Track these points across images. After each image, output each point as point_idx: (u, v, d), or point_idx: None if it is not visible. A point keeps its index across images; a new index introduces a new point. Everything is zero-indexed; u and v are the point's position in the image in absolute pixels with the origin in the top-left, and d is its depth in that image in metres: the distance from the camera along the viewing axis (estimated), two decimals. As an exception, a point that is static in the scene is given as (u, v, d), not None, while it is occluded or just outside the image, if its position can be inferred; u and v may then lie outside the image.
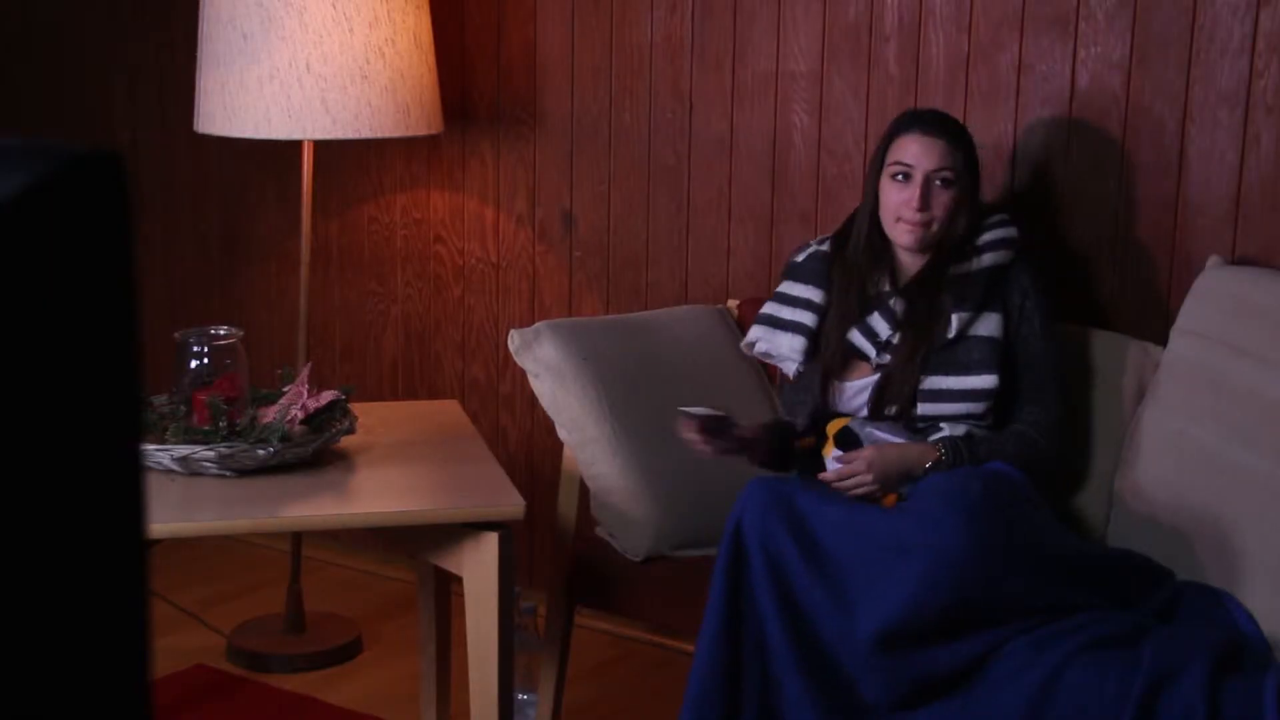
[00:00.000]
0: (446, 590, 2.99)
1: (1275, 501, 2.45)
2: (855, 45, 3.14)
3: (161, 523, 2.35)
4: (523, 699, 3.07)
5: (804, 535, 2.38)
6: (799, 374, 2.74)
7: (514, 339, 2.88)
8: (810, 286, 2.76)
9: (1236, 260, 2.79)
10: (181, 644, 3.46)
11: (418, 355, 3.84)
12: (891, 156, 2.66)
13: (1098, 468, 2.78)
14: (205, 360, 2.68)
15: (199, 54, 3.24)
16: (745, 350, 2.86)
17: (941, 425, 2.62)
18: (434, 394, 3.81)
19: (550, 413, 2.89)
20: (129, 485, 0.75)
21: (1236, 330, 2.61)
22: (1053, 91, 2.96)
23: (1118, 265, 2.94)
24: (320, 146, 3.52)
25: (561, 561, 2.90)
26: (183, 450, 2.52)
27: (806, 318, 2.74)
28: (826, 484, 2.55)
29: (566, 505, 2.93)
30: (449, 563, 2.54)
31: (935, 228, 2.65)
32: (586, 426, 2.81)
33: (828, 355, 2.70)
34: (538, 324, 2.90)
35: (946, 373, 2.63)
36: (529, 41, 3.54)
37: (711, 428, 2.53)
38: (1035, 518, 2.46)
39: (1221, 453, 2.54)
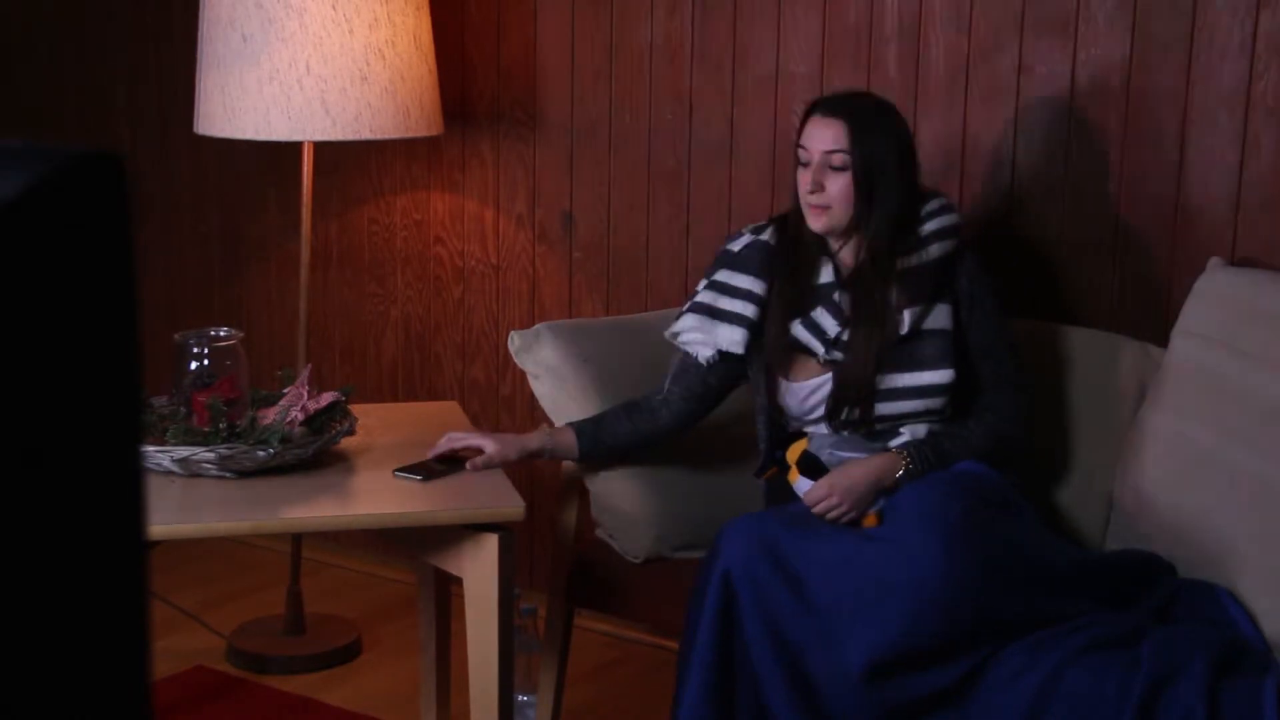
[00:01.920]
0: (446, 592, 2.99)
1: (1275, 503, 2.45)
2: (855, 47, 3.14)
3: (161, 524, 2.35)
4: (522, 700, 3.07)
5: (790, 576, 2.37)
6: (712, 362, 2.68)
7: (514, 340, 2.88)
8: (750, 277, 2.68)
9: (1236, 261, 2.79)
10: (181, 645, 3.46)
11: (418, 356, 3.84)
12: (798, 142, 2.63)
13: (1097, 469, 2.78)
14: (205, 361, 2.68)
15: (199, 55, 3.24)
16: (669, 339, 2.73)
17: (901, 429, 2.60)
18: (434, 395, 3.81)
19: (550, 414, 2.89)
20: (129, 486, 0.75)
21: (1237, 332, 2.61)
22: (1053, 93, 2.96)
23: (1118, 266, 2.94)
24: (320, 148, 3.52)
25: (561, 563, 2.90)
26: (183, 451, 2.52)
27: (748, 309, 2.67)
28: (804, 515, 2.53)
29: (566, 507, 2.93)
30: (449, 564, 2.54)
31: (836, 210, 2.58)
32: (586, 428, 2.81)
33: (773, 351, 2.64)
34: (538, 325, 2.90)
35: (901, 370, 2.58)
36: (529, 43, 3.54)
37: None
38: (1019, 526, 2.45)
39: (1221, 454, 2.54)
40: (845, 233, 2.62)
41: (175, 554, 3.77)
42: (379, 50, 3.15)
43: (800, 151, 2.61)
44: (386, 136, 3.22)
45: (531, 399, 3.46)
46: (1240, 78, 2.79)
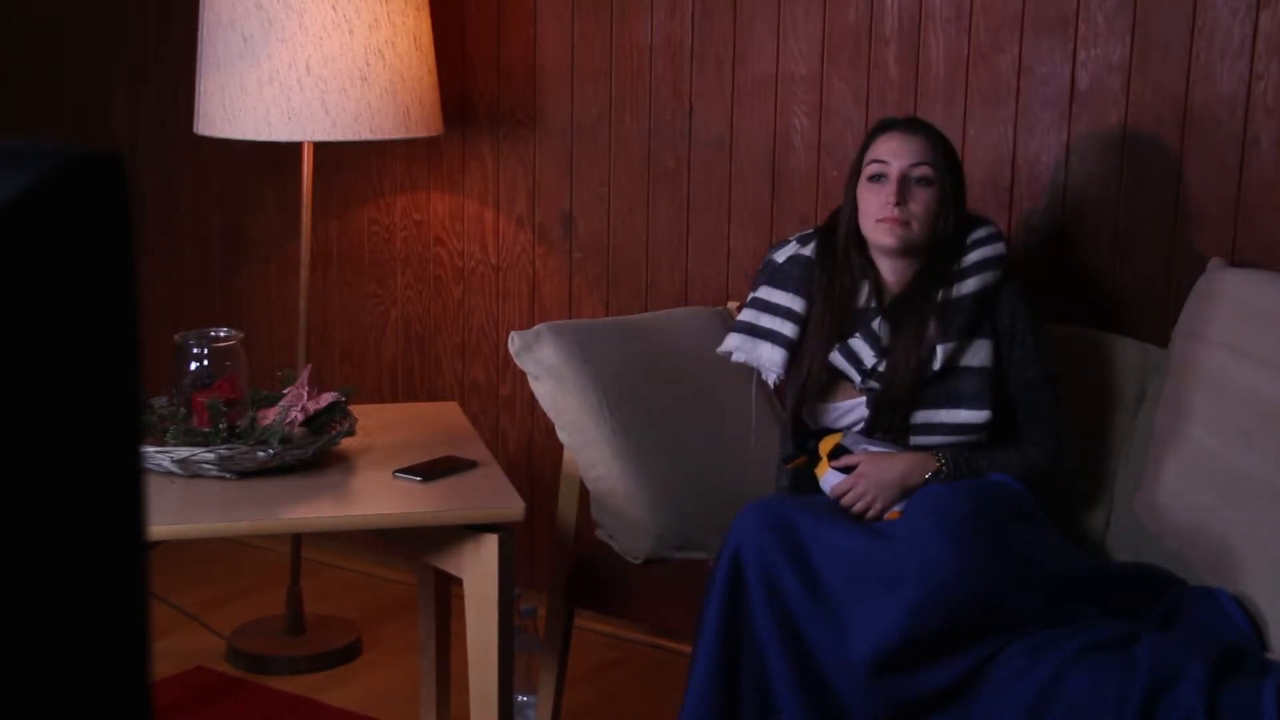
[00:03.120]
0: (446, 592, 2.99)
1: (1276, 503, 2.45)
2: (855, 47, 3.14)
3: (161, 524, 2.35)
4: (522, 700, 3.07)
5: (803, 563, 2.36)
6: (778, 384, 2.70)
7: (514, 341, 2.88)
8: (791, 294, 2.69)
9: (1237, 262, 2.79)
10: (181, 646, 3.46)
11: (418, 357, 3.84)
12: (869, 158, 2.62)
13: (1097, 469, 2.78)
14: (205, 362, 2.68)
15: (199, 56, 3.24)
16: (720, 353, 2.77)
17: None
18: (434, 396, 3.81)
19: (550, 415, 2.89)
20: (129, 487, 0.75)
21: (1237, 332, 2.61)
22: (1053, 93, 2.96)
23: (1118, 267, 2.94)
24: (320, 148, 3.52)
25: (561, 563, 2.90)
26: (183, 452, 2.52)
27: (787, 328, 2.67)
28: (824, 505, 2.53)
29: (566, 507, 2.93)
30: (449, 565, 2.54)
31: (915, 227, 2.57)
32: (586, 428, 2.81)
33: (808, 377, 2.64)
34: (538, 326, 2.90)
35: (938, 406, 2.56)
36: (529, 43, 3.54)
37: None
38: (1035, 535, 2.44)
39: (1222, 454, 2.54)
40: (906, 252, 2.60)
41: (175, 554, 3.77)
42: (379, 50, 3.15)
43: (875, 166, 2.59)
44: (386, 137, 3.22)
45: (531, 399, 3.46)
46: (1240, 78, 2.79)
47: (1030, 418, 2.61)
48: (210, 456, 2.52)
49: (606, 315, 3.49)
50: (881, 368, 2.58)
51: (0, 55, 4.37)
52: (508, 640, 2.50)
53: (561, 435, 2.90)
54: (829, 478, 2.59)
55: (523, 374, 2.98)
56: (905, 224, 2.56)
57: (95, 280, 0.71)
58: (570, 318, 3.53)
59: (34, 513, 0.69)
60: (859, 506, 2.53)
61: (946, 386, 2.56)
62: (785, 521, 2.39)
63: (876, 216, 2.58)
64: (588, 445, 2.82)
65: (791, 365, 2.66)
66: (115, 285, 0.72)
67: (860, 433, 2.61)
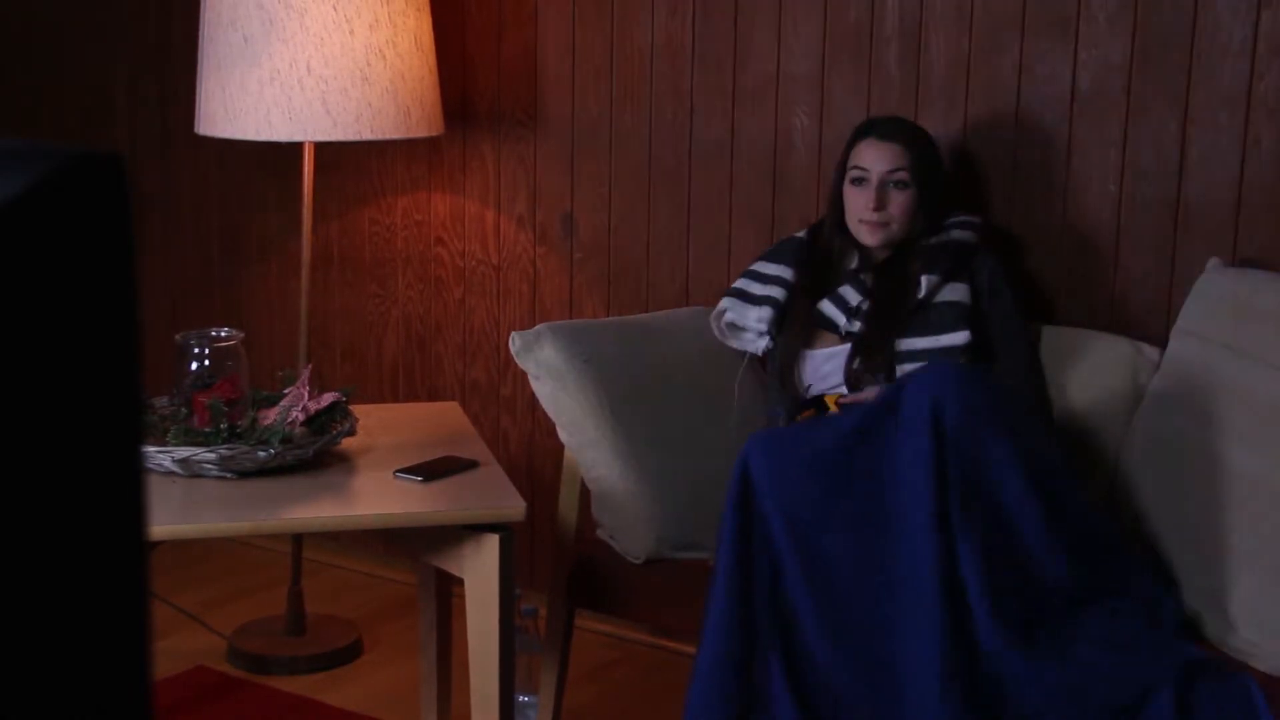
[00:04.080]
0: (447, 592, 2.99)
1: (1274, 503, 2.45)
2: (856, 47, 3.14)
3: (162, 524, 2.35)
4: (523, 701, 3.07)
5: (805, 461, 2.43)
6: (768, 351, 2.86)
7: (515, 341, 2.88)
8: (782, 265, 2.90)
9: (1237, 262, 2.79)
10: (182, 646, 3.46)
11: (418, 357, 3.84)
12: (850, 162, 2.82)
13: (1096, 469, 2.77)
14: (206, 362, 2.68)
15: (199, 56, 3.24)
16: (713, 321, 2.95)
17: None
18: (435, 396, 3.81)
19: (551, 414, 2.89)
20: (129, 487, 0.75)
21: (1237, 332, 2.61)
22: (1053, 93, 2.96)
23: (1118, 267, 2.94)
24: (321, 148, 3.52)
25: (562, 563, 2.90)
26: (183, 452, 2.52)
27: (776, 292, 2.87)
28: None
29: (567, 507, 2.93)
30: (450, 564, 2.54)
31: (895, 227, 2.79)
32: (587, 428, 2.81)
33: (795, 323, 2.83)
34: (539, 326, 2.90)
35: (919, 334, 2.73)
36: (530, 43, 3.54)
37: None
38: (1026, 503, 2.42)
39: (1221, 454, 2.54)
40: (890, 246, 2.82)
41: (176, 554, 3.77)
42: (380, 51, 3.15)
43: (855, 171, 2.82)
44: (387, 137, 3.22)
45: (532, 399, 3.46)
46: (1241, 78, 2.78)
47: (1009, 367, 2.73)
48: (211, 456, 2.52)
49: (607, 315, 3.49)
50: (866, 307, 2.78)
51: (2, 54, 4.37)
52: (508, 640, 2.50)
53: (562, 435, 2.90)
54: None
55: (523, 374, 2.98)
56: (885, 225, 2.79)
57: (96, 280, 0.71)
58: (571, 318, 3.53)
59: (35, 513, 0.69)
60: None
61: (926, 316, 2.74)
62: (790, 433, 2.53)
63: (859, 218, 2.81)
64: (588, 445, 2.82)
65: (779, 326, 2.85)
66: (116, 285, 0.73)
67: (843, 372, 2.77)
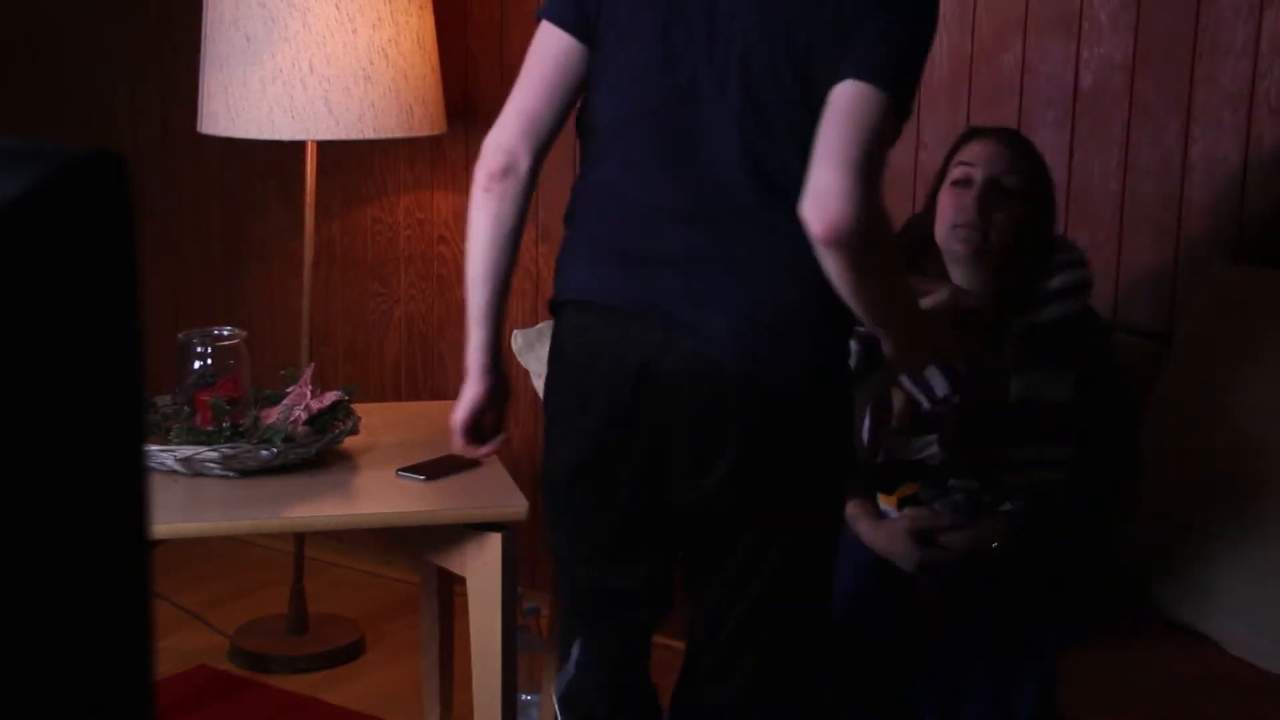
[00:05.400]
0: (449, 591, 2.99)
1: (1275, 502, 2.45)
2: (858, 46, 3.14)
3: (164, 523, 2.35)
4: (525, 700, 3.07)
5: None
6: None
7: (517, 340, 2.88)
8: None
9: (1239, 261, 2.79)
10: (184, 645, 3.46)
11: (421, 356, 3.84)
12: (955, 161, 2.45)
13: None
14: (208, 361, 2.68)
15: (202, 55, 3.24)
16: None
17: (1008, 503, 2.45)
18: (437, 395, 3.81)
19: (553, 413, 2.89)
20: (132, 486, 0.75)
21: (1238, 332, 2.61)
22: (1056, 92, 2.96)
23: (1120, 266, 2.94)
24: (323, 147, 3.52)
25: (564, 562, 2.90)
26: (186, 451, 2.52)
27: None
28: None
29: (569, 506, 2.92)
30: (452, 563, 2.54)
31: (994, 238, 2.39)
32: (589, 427, 2.80)
33: (877, 400, 2.44)
34: (540, 325, 2.90)
35: (1017, 443, 2.42)
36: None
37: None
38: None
39: (1222, 454, 2.54)
40: (980, 263, 2.42)
41: (178, 553, 3.77)
42: (382, 50, 3.16)
43: (960, 169, 2.43)
44: (390, 136, 3.22)
45: (534, 398, 3.46)
46: (1244, 77, 2.78)
47: (1100, 458, 2.48)
48: (213, 455, 2.52)
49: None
50: (955, 399, 2.43)
51: (2, 54, 4.37)
52: (511, 639, 2.50)
53: (564, 434, 2.89)
54: (890, 511, 2.49)
55: (526, 372, 2.98)
56: (983, 233, 2.39)
57: (97, 280, 0.71)
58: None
59: (37, 512, 0.69)
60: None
61: (1025, 422, 2.41)
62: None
63: (953, 221, 2.41)
64: (590, 444, 2.81)
65: (867, 361, 2.39)
66: (117, 285, 0.73)
67: (935, 481, 2.46)
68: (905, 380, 2.44)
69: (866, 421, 2.44)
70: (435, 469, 2.61)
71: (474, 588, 2.49)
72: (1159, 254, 2.90)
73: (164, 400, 2.73)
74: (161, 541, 2.49)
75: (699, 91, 1.93)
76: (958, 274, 2.44)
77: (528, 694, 3.08)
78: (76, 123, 4.28)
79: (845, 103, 1.84)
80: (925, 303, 2.15)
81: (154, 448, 2.53)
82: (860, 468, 2.46)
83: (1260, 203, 2.80)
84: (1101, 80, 2.91)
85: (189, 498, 2.49)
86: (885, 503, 2.49)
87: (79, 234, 0.70)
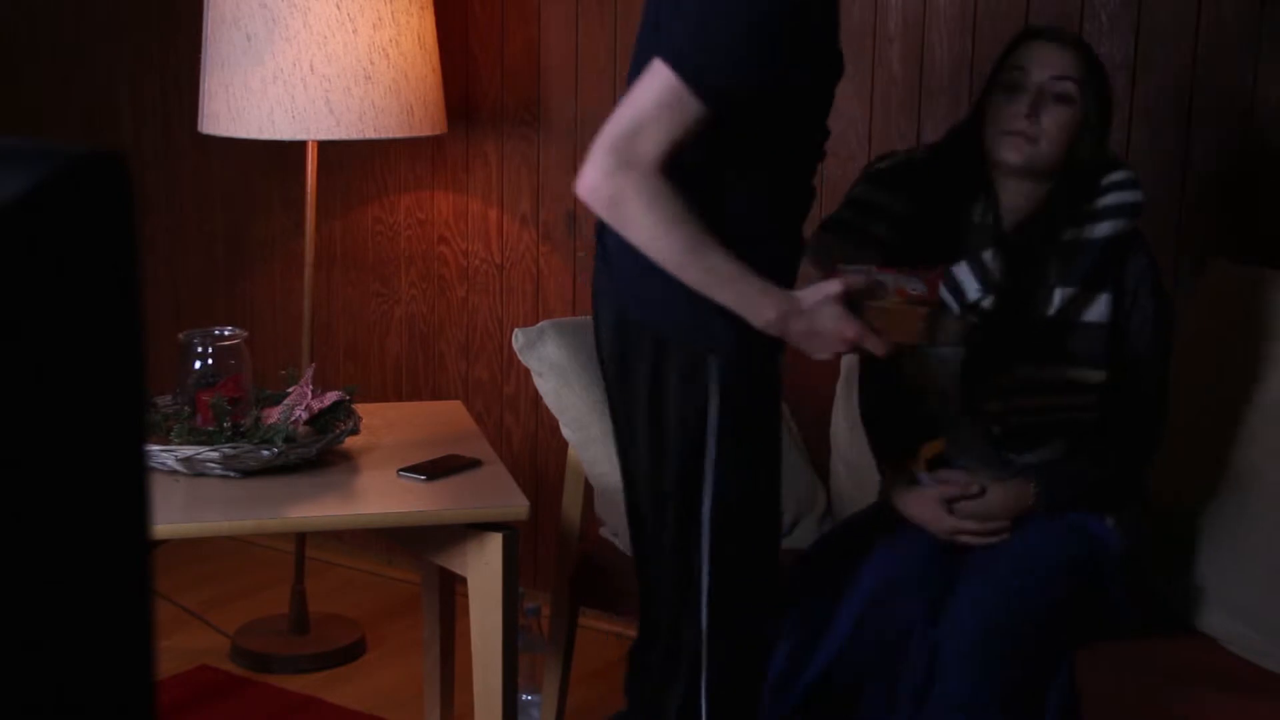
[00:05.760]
0: (451, 591, 2.99)
1: (1276, 502, 2.45)
2: (859, 47, 3.14)
3: (166, 523, 2.35)
4: (526, 700, 3.07)
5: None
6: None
7: (518, 339, 2.88)
8: (892, 194, 2.38)
9: (1240, 261, 2.79)
10: (185, 645, 3.46)
11: (422, 356, 3.84)
12: (1007, 65, 2.32)
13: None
14: (209, 361, 2.68)
15: (203, 55, 3.24)
16: (807, 263, 2.19)
17: (1030, 450, 2.41)
18: (438, 394, 3.81)
19: (554, 412, 2.89)
20: (133, 486, 0.75)
21: (1239, 331, 2.61)
22: (1057, 92, 2.96)
23: (1122, 266, 2.94)
24: (324, 147, 3.52)
25: (566, 562, 2.90)
26: (187, 451, 2.52)
27: (881, 229, 2.37)
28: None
29: (571, 505, 2.93)
30: (453, 563, 2.54)
31: (1045, 147, 2.27)
32: (590, 426, 2.81)
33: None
34: (542, 323, 2.90)
35: (1047, 362, 2.32)
36: (532, 42, 3.54)
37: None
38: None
39: (1223, 454, 2.54)
40: (1030, 173, 2.30)
41: (179, 553, 3.77)
42: (383, 49, 3.16)
43: (1013, 74, 2.29)
44: (390, 136, 3.22)
45: (536, 397, 3.47)
46: (1245, 76, 2.78)
47: (1131, 400, 2.38)
48: (214, 455, 2.52)
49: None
50: (986, 303, 2.30)
51: (5, 54, 4.38)
52: (512, 639, 2.50)
53: (566, 433, 2.90)
54: (922, 476, 2.46)
55: (527, 372, 2.98)
56: (1034, 140, 2.27)
57: (99, 279, 0.71)
58: (574, 315, 3.53)
59: (38, 512, 0.69)
60: (965, 540, 2.41)
61: (1058, 341, 2.32)
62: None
63: (1004, 128, 2.28)
64: (592, 442, 2.82)
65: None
66: (119, 284, 0.73)
67: (951, 391, 2.37)
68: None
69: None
70: (436, 469, 2.61)
71: (475, 588, 2.49)
72: (1159, 253, 2.89)
73: (165, 400, 2.73)
74: (163, 541, 2.49)
75: None
76: (1006, 185, 2.34)
77: (528, 694, 3.08)
78: (78, 123, 4.28)
79: (641, 78, 1.93)
80: (808, 295, 2.00)
81: (155, 448, 2.53)
82: (885, 431, 2.49)
83: (1262, 203, 2.80)
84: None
85: (190, 498, 2.49)
86: (915, 467, 2.47)
87: (80, 234, 0.70)
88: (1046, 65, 2.28)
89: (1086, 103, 2.28)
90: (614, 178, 1.90)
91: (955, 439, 2.45)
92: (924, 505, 2.42)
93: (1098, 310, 2.33)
